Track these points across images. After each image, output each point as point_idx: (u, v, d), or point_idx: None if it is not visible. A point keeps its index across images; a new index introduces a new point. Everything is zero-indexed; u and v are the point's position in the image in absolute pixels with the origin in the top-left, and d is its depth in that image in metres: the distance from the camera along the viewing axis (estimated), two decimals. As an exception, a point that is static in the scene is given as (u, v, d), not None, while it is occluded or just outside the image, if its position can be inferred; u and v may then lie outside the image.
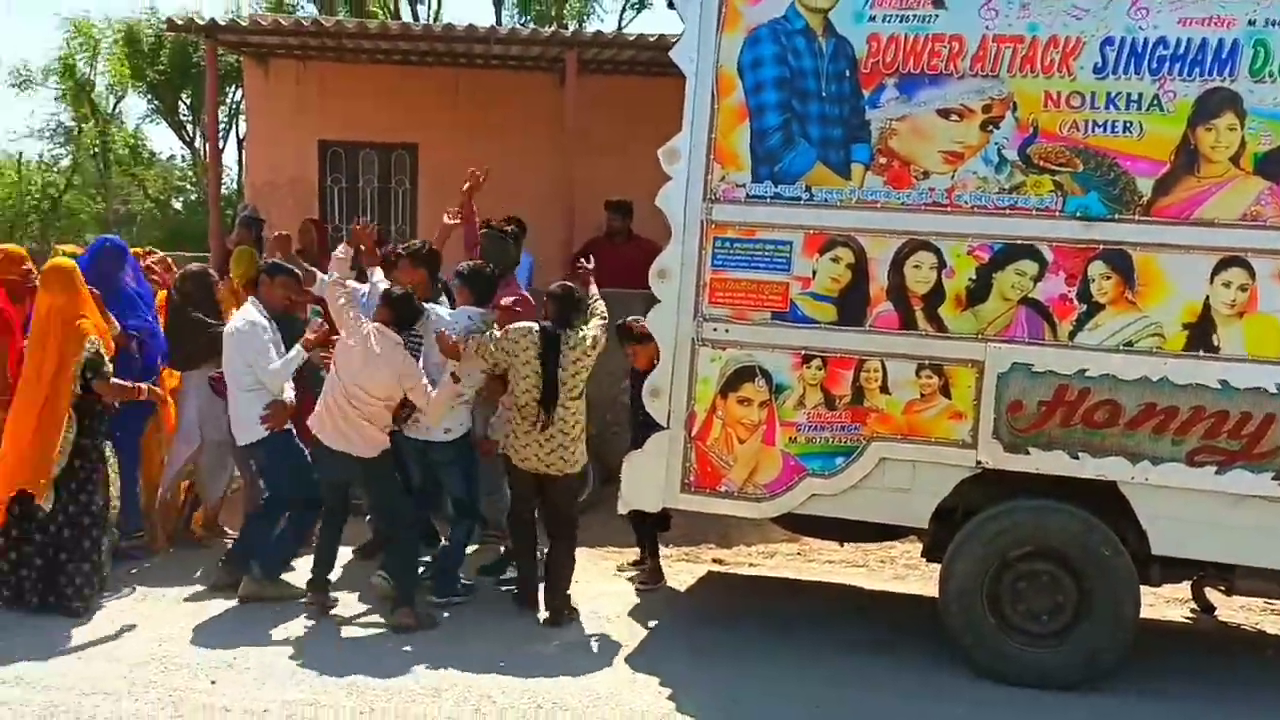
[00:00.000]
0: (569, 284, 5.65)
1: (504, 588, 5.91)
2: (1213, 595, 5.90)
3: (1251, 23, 4.53)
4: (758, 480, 5.10)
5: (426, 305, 5.67)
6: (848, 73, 4.94)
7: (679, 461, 5.17)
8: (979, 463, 4.84)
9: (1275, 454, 4.56)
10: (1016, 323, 4.80)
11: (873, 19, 4.90)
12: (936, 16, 4.84)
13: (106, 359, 5.38)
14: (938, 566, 5.09)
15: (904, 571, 6.73)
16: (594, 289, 5.67)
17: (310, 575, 5.58)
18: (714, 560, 6.86)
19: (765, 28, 5.01)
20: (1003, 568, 4.88)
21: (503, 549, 6.16)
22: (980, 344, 4.82)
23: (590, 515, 6.55)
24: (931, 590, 5.31)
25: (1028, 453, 4.79)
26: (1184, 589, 5.97)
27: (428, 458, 5.77)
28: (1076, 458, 4.75)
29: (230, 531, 6.46)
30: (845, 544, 6.61)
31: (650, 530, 6.16)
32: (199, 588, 5.80)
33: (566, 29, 12.80)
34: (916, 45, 4.87)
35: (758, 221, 5.05)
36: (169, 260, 7.07)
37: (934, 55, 4.85)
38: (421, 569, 5.83)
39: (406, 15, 24.40)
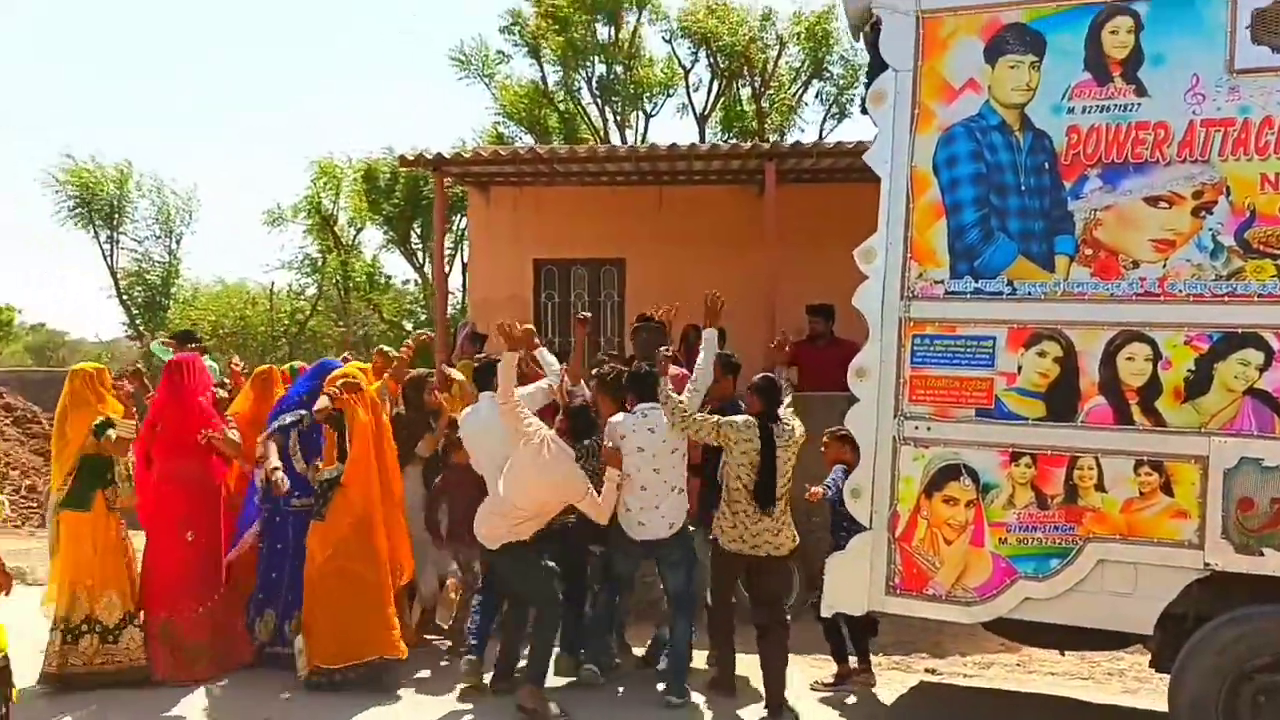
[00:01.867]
0: (770, 375, 5.79)
1: None
2: None
3: None
4: (967, 583, 4.95)
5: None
6: (1047, 165, 4.89)
7: (883, 563, 5.09)
8: (1207, 565, 4.55)
9: None
10: (1242, 415, 4.53)
11: (1071, 111, 4.86)
12: (1139, 105, 4.75)
13: None
14: (1169, 677, 4.76)
15: (1134, 684, 6.28)
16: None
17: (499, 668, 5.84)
18: (927, 670, 6.62)
19: (959, 126, 5.03)
20: (1240, 679, 4.51)
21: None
22: (1204, 438, 4.57)
23: (796, 621, 6.47)
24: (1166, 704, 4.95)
25: (1261, 554, 4.46)
26: None
27: (652, 555, 5.91)
28: (1319, 559, 4.39)
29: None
30: (1066, 653, 6.26)
31: (837, 635, 6.07)
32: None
33: (767, 142, 13.08)
34: (1119, 135, 4.78)
35: (958, 317, 5.00)
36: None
37: (1138, 144, 4.75)
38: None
39: (615, 139, 25.56)
